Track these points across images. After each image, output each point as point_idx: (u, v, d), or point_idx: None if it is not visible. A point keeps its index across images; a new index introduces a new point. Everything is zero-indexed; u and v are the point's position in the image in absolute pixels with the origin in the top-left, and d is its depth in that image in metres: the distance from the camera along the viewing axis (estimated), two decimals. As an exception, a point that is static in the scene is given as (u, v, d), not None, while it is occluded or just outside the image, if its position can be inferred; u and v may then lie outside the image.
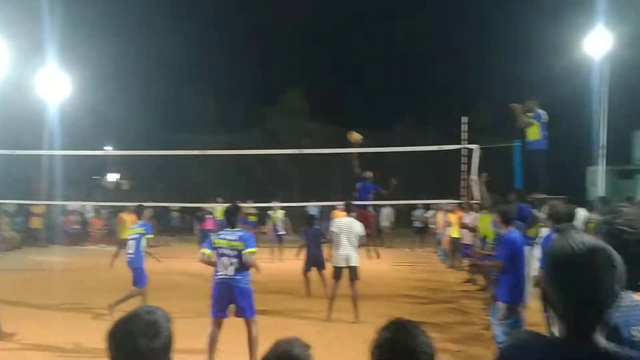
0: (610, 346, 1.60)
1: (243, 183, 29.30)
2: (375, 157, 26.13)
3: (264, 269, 6.67)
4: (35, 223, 20.72)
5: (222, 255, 6.26)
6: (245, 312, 6.22)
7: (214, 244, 6.35)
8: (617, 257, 1.67)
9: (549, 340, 1.72)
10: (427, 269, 15.47)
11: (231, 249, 6.24)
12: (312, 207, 23.87)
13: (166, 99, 31.35)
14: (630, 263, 2.26)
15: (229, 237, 6.33)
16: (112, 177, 35.78)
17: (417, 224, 20.33)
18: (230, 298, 6.24)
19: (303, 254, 10.99)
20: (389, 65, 33.49)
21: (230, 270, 6.20)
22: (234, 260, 6.21)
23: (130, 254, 8.58)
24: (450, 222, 14.79)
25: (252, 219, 19.43)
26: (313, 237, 10.79)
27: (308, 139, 30.28)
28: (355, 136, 11.68)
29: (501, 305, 5.86)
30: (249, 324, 6.22)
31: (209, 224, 17.63)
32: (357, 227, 8.83)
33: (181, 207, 24.60)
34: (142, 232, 8.67)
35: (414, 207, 20.89)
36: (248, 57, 32.48)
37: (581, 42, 15.43)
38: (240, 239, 6.30)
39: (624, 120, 20.30)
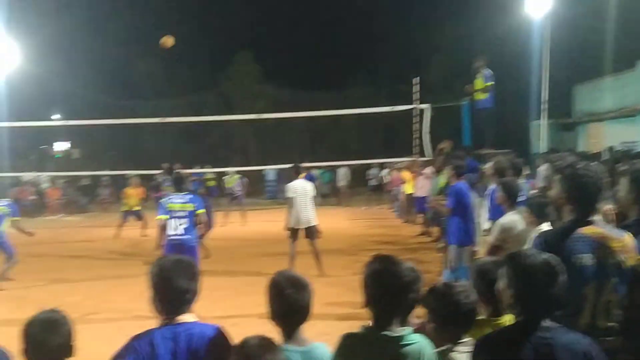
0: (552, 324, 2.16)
1: (197, 149, 29.16)
2: (329, 117, 26.58)
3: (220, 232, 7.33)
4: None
5: (173, 217, 6.95)
6: None
7: (168, 208, 6.99)
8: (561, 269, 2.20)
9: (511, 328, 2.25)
10: (384, 224, 16.13)
11: (182, 211, 6.97)
12: (270, 170, 24.22)
13: (114, 65, 30.54)
14: (585, 199, 2.80)
15: (179, 200, 7.04)
16: (62, 146, 34.80)
17: (373, 182, 20.94)
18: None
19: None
20: (340, 25, 33.50)
21: (180, 230, 6.91)
22: (183, 220, 6.94)
23: None
24: (404, 179, 15.40)
25: (211, 184, 19.57)
26: None
27: (262, 101, 30.24)
28: (167, 42, 11.73)
29: (451, 248, 6.47)
30: None
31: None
32: (310, 188, 9.33)
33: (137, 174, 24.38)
34: (6, 212, 8.96)
35: (369, 166, 21.48)
36: (196, 19, 31.88)
37: (523, 1, 15.98)
38: (190, 200, 7.07)
39: (565, 75, 21.20)
